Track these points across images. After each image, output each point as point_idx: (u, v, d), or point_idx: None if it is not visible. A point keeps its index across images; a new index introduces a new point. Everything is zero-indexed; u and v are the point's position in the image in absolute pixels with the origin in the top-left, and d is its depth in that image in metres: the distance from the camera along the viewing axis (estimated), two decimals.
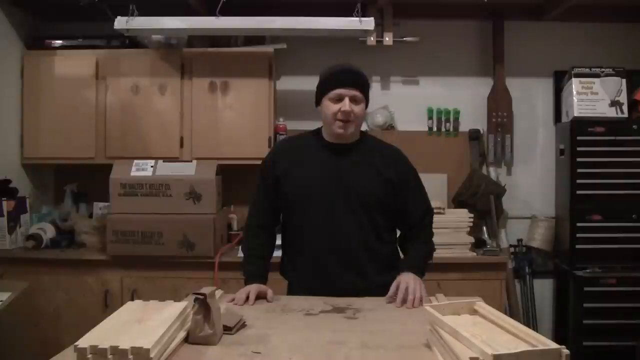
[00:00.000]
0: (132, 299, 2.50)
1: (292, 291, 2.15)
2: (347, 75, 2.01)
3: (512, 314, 3.49)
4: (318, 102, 2.06)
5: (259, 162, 2.21)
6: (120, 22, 3.12)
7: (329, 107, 1.99)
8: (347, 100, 1.96)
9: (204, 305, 1.48)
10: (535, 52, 3.83)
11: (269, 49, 3.55)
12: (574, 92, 3.48)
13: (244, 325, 1.64)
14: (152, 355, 1.25)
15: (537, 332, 1.28)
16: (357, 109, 1.99)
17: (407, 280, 1.94)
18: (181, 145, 3.50)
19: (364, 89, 2.02)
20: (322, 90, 2.03)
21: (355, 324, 1.70)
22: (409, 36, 3.73)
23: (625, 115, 3.45)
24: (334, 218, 2.03)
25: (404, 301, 1.89)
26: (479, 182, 3.61)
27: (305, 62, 3.71)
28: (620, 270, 3.34)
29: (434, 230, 2.19)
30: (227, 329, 1.56)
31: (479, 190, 3.58)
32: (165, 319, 1.44)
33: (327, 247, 2.04)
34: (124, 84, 3.50)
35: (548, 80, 3.84)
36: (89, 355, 1.24)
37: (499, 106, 3.78)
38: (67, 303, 3.21)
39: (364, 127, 2.84)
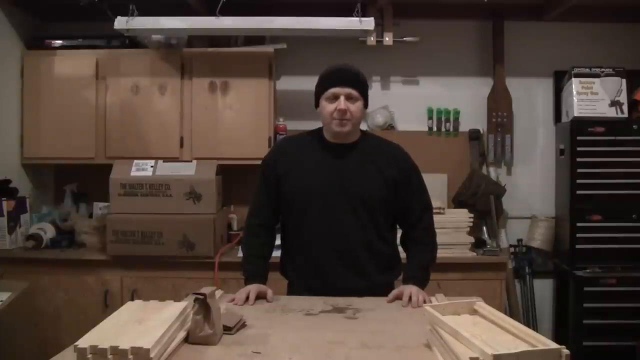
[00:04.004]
0: (132, 299, 2.50)
1: (292, 291, 2.15)
2: (341, 74, 2.02)
3: (512, 314, 3.49)
4: (317, 104, 2.07)
5: (259, 162, 2.22)
6: (120, 22, 3.12)
7: (326, 107, 2.01)
8: (342, 98, 1.97)
9: (204, 305, 1.48)
10: (535, 52, 3.83)
11: (269, 49, 3.55)
12: (574, 92, 3.47)
13: (244, 325, 1.64)
14: (152, 355, 1.25)
15: (537, 332, 1.28)
16: (353, 107, 1.99)
17: (410, 290, 1.95)
18: (181, 145, 3.50)
19: (360, 87, 2.02)
20: (318, 91, 2.05)
21: (355, 324, 1.70)
22: (409, 36, 3.73)
23: (625, 115, 3.45)
24: (334, 218, 2.03)
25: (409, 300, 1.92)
26: (479, 182, 3.61)
27: (305, 62, 3.71)
28: (620, 270, 3.34)
29: (434, 229, 2.19)
30: (227, 329, 1.56)
31: (479, 190, 3.58)
32: (165, 319, 1.44)
33: (328, 247, 2.04)
34: (124, 84, 3.49)
35: (548, 80, 3.84)
36: (89, 355, 1.24)
37: (499, 106, 3.78)
38: (67, 303, 3.21)
39: (364, 127, 2.84)
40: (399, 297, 1.95)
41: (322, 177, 2.05)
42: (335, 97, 1.99)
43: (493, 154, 3.79)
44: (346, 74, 2.02)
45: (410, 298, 1.92)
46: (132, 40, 3.54)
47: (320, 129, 2.13)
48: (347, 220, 2.03)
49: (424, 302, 1.89)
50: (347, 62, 2.11)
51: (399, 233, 2.22)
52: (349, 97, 1.99)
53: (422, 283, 2.04)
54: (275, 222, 2.21)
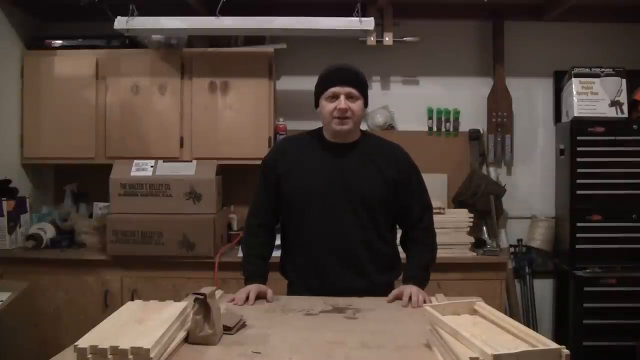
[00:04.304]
0: (132, 299, 2.50)
1: (292, 291, 2.15)
2: (340, 73, 2.02)
3: (512, 314, 3.49)
4: (317, 104, 2.07)
5: (259, 162, 2.22)
6: (120, 22, 3.12)
7: (326, 106, 2.01)
8: (342, 97, 1.98)
9: (204, 305, 1.48)
10: (535, 52, 3.83)
11: (269, 49, 3.55)
12: (574, 92, 3.47)
13: (244, 325, 1.64)
14: (152, 355, 1.25)
15: (537, 332, 1.28)
16: (354, 106, 2.00)
17: (410, 290, 1.95)
18: (181, 145, 3.50)
19: (360, 86, 2.02)
20: (318, 91, 2.05)
21: (355, 324, 1.70)
22: (409, 36, 3.73)
23: (625, 115, 3.45)
24: (334, 217, 2.03)
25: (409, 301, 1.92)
26: (479, 182, 3.61)
27: (305, 62, 3.71)
28: (620, 270, 3.34)
29: (434, 229, 2.19)
30: (227, 329, 1.56)
31: (479, 190, 3.58)
32: (165, 319, 1.44)
33: (327, 247, 2.04)
34: (124, 84, 3.49)
35: (548, 80, 3.84)
36: (89, 355, 1.24)
37: (499, 106, 3.78)
38: (67, 303, 3.21)
39: (364, 127, 2.84)
40: (399, 297, 1.95)
41: (322, 177, 2.05)
42: (335, 97, 1.99)
43: (493, 154, 3.79)
44: (346, 73, 2.03)
45: (410, 298, 1.92)
46: (132, 40, 3.53)
47: (320, 129, 2.13)
48: (347, 220, 2.03)
49: (424, 302, 1.89)
50: (347, 62, 2.11)
51: (399, 233, 2.22)
52: (349, 96, 1.99)
53: (422, 283, 2.04)
54: (275, 222, 2.21)
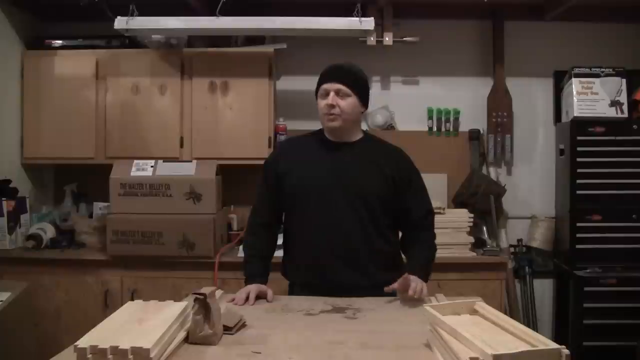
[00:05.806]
0: (132, 299, 2.50)
1: (293, 290, 2.16)
2: (332, 70, 2.06)
3: (512, 314, 3.49)
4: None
5: (259, 162, 2.23)
6: (120, 22, 3.12)
7: (319, 103, 2.05)
8: (331, 94, 2.00)
9: (204, 305, 1.48)
10: (535, 52, 3.82)
11: (269, 49, 3.55)
12: (574, 92, 3.47)
13: (244, 325, 1.64)
14: (152, 355, 1.25)
15: (537, 332, 1.28)
16: (343, 102, 2.01)
17: (414, 278, 1.93)
18: (181, 145, 3.50)
19: (352, 83, 2.03)
20: (315, 90, 2.08)
21: (355, 324, 1.70)
22: (409, 36, 3.72)
23: (625, 115, 3.44)
24: (334, 216, 2.03)
25: (408, 287, 1.88)
26: (479, 182, 3.61)
27: (305, 62, 3.70)
28: (620, 270, 3.34)
29: (434, 231, 2.19)
30: (227, 329, 1.56)
31: (479, 190, 3.58)
32: (165, 319, 1.44)
33: (328, 246, 2.04)
34: (124, 84, 3.49)
35: (548, 80, 3.84)
36: (89, 355, 1.25)
37: (499, 106, 3.77)
38: (67, 303, 3.21)
39: (364, 127, 2.84)
40: (403, 287, 1.90)
41: (322, 175, 2.06)
42: (327, 94, 2.01)
43: (493, 154, 3.78)
44: (337, 70, 2.05)
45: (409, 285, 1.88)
46: (132, 40, 3.53)
47: (322, 130, 2.14)
48: (347, 218, 2.03)
49: (422, 291, 1.88)
50: (348, 61, 2.12)
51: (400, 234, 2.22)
52: (338, 93, 2.01)
53: (422, 276, 1.99)
54: (277, 222, 2.21)
